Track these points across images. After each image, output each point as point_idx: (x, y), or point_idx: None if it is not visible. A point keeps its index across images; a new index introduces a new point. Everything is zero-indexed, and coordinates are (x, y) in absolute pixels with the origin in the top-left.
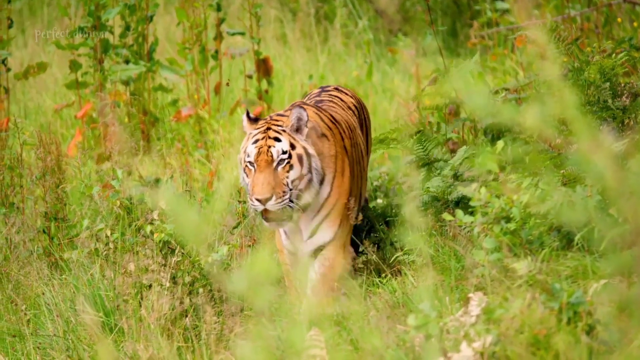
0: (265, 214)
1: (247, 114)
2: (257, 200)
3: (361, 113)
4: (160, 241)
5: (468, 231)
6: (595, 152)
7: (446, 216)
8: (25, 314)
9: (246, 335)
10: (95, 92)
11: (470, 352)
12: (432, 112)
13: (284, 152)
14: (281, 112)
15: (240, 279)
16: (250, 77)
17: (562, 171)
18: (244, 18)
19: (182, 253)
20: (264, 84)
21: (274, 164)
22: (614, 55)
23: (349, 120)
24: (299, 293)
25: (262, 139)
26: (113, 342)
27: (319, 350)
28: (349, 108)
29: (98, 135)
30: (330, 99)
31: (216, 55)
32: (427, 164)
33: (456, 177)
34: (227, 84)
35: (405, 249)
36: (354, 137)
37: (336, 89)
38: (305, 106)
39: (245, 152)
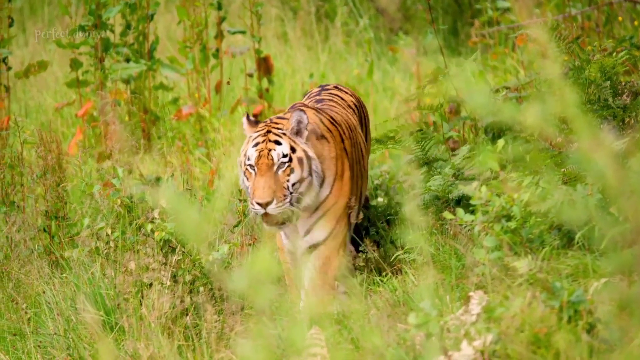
0: (265, 217)
1: (247, 116)
2: (258, 204)
3: (361, 111)
4: (160, 240)
5: (469, 230)
6: (595, 150)
7: (447, 215)
8: (25, 312)
9: (247, 334)
10: (96, 90)
11: (470, 350)
12: (432, 111)
13: (284, 156)
14: (281, 114)
15: (241, 277)
16: (251, 75)
17: (562, 170)
18: (244, 16)
19: (183, 252)
20: (265, 83)
21: (275, 168)
22: (614, 54)
23: (349, 119)
24: (298, 291)
25: (263, 142)
26: (114, 341)
27: (320, 348)
28: (349, 107)
29: (99, 134)
30: (330, 97)
31: (217, 53)
32: (426, 163)
33: (457, 175)
34: (228, 83)
35: (406, 247)
36: (354, 137)
37: (336, 87)
38: (305, 108)
39: (245, 155)
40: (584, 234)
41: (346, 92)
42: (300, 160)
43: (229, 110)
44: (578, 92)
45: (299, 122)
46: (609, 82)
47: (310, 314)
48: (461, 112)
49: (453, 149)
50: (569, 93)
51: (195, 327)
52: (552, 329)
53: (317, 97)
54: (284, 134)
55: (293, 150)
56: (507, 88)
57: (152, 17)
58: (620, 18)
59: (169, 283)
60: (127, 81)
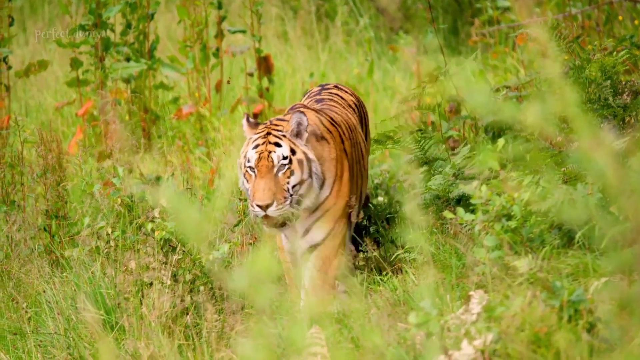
0: (265, 218)
1: (247, 118)
2: (258, 206)
3: (361, 111)
4: (161, 239)
5: (469, 229)
6: (596, 150)
7: (447, 214)
8: (26, 311)
9: (247, 333)
10: (96, 90)
11: (471, 350)
12: (432, 111)
13: (284, 158)
14: (281, 116)
15: (241, 276)
16: (251, 74)
17: (563, 169)
18: (245, 16)
19: (183, 251)
20: (265, 82)
21: (275, 170)
22: (615, 53)
23: (348, 119)
24: (298, 291)
25: (263, 144)
26: (114, 340)
27: (320, 348)
28: (349, 106)
29: (99, 133)
30: (330, 97)
31: (217, 53)
32: (426, 163)
33: (457, 175)
34: (228, 82)
35: (406, 246)
36: (354, 137)
37: (336, 86)
38: (305, 110)
39: (245, 156)
40: (584, 233)
41: (346, 92)
42: (300, 162)
43: (229, 109)
44: (578, 92)
45: (299, 124)
46: (609, 81)
47: (310, 313)
48: (461, 112)
49: (453, 148)
50: (569, 92)
51: (195, 327)
52: (552, 328)
53: (317, 97)
54: (284, 135)
55: (293, 152)
56: (507, 87)
57: (152, 16)
58: (620, 17)
59: (169, 282)
60: (127, 80)
